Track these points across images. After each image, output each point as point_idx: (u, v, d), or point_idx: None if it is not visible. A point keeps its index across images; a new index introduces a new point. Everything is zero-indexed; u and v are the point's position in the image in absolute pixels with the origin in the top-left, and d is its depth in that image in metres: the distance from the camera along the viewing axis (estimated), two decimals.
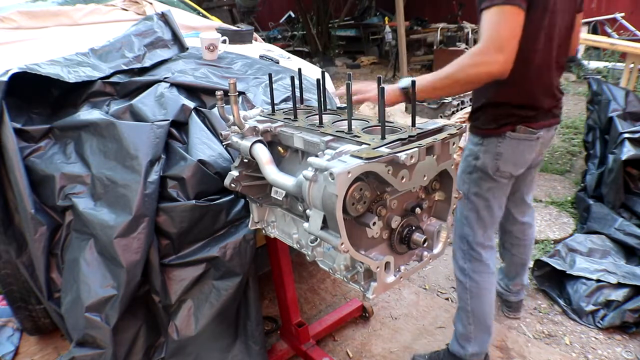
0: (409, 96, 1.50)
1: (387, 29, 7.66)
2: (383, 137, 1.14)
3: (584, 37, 5.08)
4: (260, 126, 1.36)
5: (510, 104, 1.59)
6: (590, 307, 2.20)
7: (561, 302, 2.31)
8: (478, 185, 1.71)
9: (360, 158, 1.00)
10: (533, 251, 2.56)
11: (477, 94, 1.67)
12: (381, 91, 1.13)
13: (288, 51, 2.93)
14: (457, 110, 2.99)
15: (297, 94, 1.50)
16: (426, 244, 1.19)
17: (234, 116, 1.34)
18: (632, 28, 7.39)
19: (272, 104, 1.49)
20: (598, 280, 2.25)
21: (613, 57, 6.82)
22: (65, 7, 2.60)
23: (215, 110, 1.76)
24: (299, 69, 1.52)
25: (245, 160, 1.43)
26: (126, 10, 2.74)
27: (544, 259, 2.43)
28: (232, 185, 1.42)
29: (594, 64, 6.95)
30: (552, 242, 2.80)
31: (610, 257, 2.44)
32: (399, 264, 1.21)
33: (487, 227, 1.77)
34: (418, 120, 1.23)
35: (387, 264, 1.13)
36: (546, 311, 2.30)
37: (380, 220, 1.12)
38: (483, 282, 1.79)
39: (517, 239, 2.09)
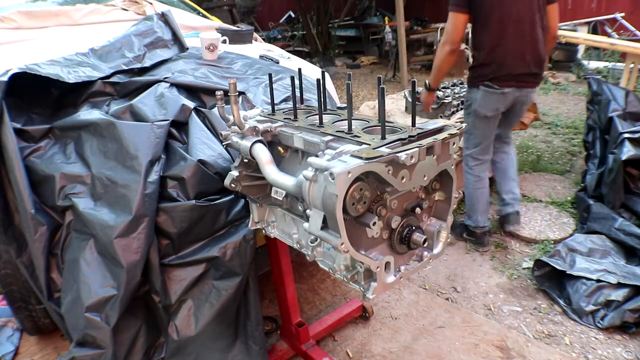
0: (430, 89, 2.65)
1: (387, 29, 7.66)
2: (383, 137, 1.14)
3: (584, 37, 5.09)
4: (260, 126, 1.36)
5: (482, 66, 2.41)
6: (590, 307, 2.20)
7: (561, 302, 2.31)
8: (470, 119, 2.56)
9: (361, 158, 1.00)
10: (534, 251, 2.77)
11: (475, 55, 2.45)
12: (381, 91, 1.13)
13: (288, 51, 2.93)
14: (457, 110, 2.99)
15: (297, 94, 1.50)
16: (426, 244, 1.19)
17: (234, 116, 1.34)
18: (632, 28, 7.39)
19: (272, 104, 1.49)
20: (598, 280, 2.25)
21: (613, 57, 6.82)
22: (65, 7, 2.60)
23: (215, 110, 1.76)
24: (299, 69, 1.52)
25: (245, 160, 1.42)
26: (126, 10, 2.74)
27: (544, 259, 2.43)
28: (232, 185, 1.42)
29: (594, 64, 6.95)
30: (552, 242, 2.80)
31: (610, 257, 2.43)
32: (399, 264, 1.21)
33: (475, 148, 2.62)
34: (418, 120, 1.24)
35: (387, 264, 1.14)
36: (546, 311, 2.30)
37: (380, 220, 1.12)
38: (470, 180, 2.68)
39: (500, 162, 2.86)
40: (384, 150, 1.06)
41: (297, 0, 9.08)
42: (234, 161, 1.52)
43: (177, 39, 2.17)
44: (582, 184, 3.24)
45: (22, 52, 2.11)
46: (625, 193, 2.76)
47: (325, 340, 2.15)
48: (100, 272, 1.48)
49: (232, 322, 1.67)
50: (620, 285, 2.20)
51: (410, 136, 1.14)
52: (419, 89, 3.03)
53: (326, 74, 1.45)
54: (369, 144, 1.11)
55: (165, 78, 1.84)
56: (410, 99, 2.97)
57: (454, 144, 1.18)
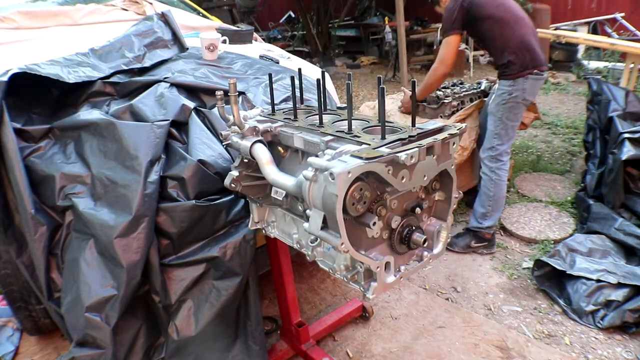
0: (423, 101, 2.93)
1: (387, 29, 7.65)
2: (383, 137, 1.14)
3: (584, 37, 5.08)
4: (260, 126, 1.36)
5: (517, 60, 2.53)
6: (590, 307, 2.20)
7: (561, 302, 2.31)
8: (510, 110, 2.58)
9: (361, 158, 1.00)
10: (534, 251, 2.79)
11: (498, 56, 2.59)
12: (381, 91, 1.13)
13: (288, 51, 2.93)
14: (457, 110, 2.99)
15: (297, 94, 1.50)
16: (426, 244, 1.19)
17: (234, 116, 1.34)
18: (632, 28, 7.39)
19: (272, 104, 1.49)
20: (598, 280, 2.25)
21: (613, 57, 6.82)
22: (65, 7, 2.60)
23: (215, 110, 1.76)
24: (299, 69, 1.52)
25: (245, 160, 1.42)
26: (126, 10, 2.74)
27: (544, 259, 2.43)
28: (232, 185, 1.42)
29: (594, 64, 6.95)
30: (552, 242, 2.80)
31: (610, 257, 2.44)
32: (399, 264, 1.21)
33: (510, 140, 2.68)
34: (418, 120, 1.24)
35: (387, 264, 1.13)
36: (546, 311, 2.30)
37: (380, 220, 1.12)
38: (503, 175, 2.68)
39: None
40: (384, 150, 1.06)
41: (297, 0, 9.07)
42: (234, 161, 1.52)
43: (177, 39, 2.17)
44: (582, 184, 3.24)
45: (22, 52, 2.11)
46: (625, 193, 2.76)
47: (325, 340, 2.15)
48: (100, 272, 1.48)
49: (232, 322, 1.67)
50: (620, 285, 2.20)
51: (410, 136, 1.13)
52: (404, 89, 3.26)
53: (326, 74, 1.45)
54: (369, 144, 1.11)
55: (165, 78, 1.84)
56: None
57: (454, 144, 1.18)
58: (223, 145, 1.56)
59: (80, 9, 2.57)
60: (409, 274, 1.22)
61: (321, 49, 9.21)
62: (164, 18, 2.20)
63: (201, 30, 2.68)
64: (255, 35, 2.94)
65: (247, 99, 1.88)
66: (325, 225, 1.06)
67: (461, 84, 3.35)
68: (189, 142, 1.63)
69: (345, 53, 10.26)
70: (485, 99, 3.03)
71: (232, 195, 1.59)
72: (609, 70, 6.45)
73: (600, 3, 8.00)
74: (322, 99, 1.35)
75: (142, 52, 2.03)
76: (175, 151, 1.59)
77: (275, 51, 2.72)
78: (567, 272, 2.33)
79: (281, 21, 11.21)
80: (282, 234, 1.47)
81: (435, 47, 7.97)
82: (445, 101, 2.96)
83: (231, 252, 1.57)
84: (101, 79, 1.84)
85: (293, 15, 11.03)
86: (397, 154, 1.03)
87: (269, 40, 9.60)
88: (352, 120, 1.23)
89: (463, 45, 7.32)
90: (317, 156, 1.10)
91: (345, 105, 1.30)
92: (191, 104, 1.73)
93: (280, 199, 1.36)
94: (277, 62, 2.43)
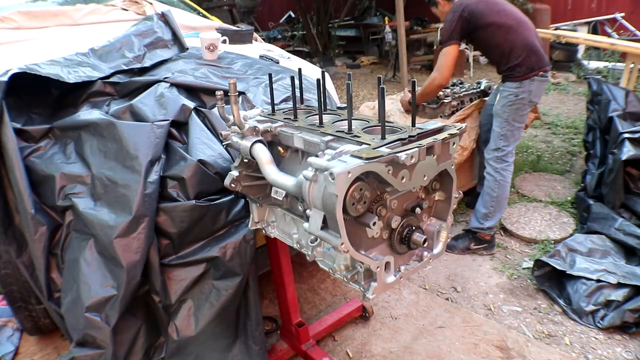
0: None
1: (387, 29, 7.65)
2: (383, 137, 1.14)
3: (584, 37, 5.08)
4: (260, 126, 1.36)
5: (523, 62, 2.55)
6: (590, 307, 2.20)
7: (561, 302, 2.31)
8: (516, 112, 2.60)
9: (361, 158, 1.00)
10: (534, 251, 2.79)
11: (504, 61, 2.60)
12: (381, 91, 1.13)
13: (288, 51, 2.93)
14: (457, 110, 3.00)
15: (297, 94, 1.50)
16: (426, 244, 1.19)
17: (234, 116, 1.34)
18: (632, 28, 7.39)
19: (272, 104, 1.49)
20: (598, 280, 2.25)
21: (613, 57, 6.82)
22: (65, 7, 2.60)
23: (215, 110, 1.76)
24: (299, 69, 1.52)
25: (245, 160, 1.42)
26: (126, 10, 2.74)
27: (544, 259, 2.43)
28: (232, 185, 1.42)
29: (594, 64, 6.95)
30: (552, 242, 2.80)
31: (610, 257, 2.44)
32: (399, 264, 1.21)
33: (516, 141, 2.69)
34: (418, 120, 1.24)
35: (387, 264, 1.13)
36: (546, 311, 2.30)
37: (380, 220, 1.12)
38: (507, 176, 2.70)
39: None
40: (384, 150, 1.06)
41: (297, 0, 9.07)
42: (234, 161, 1.52)
43: (177, 39, 2.17)
44: (582, 184, 3.24)
45: (22, 52, 2.11)
46: (625, 193, 2.76)
47: (325, 340, 2.15)
48: (100, 272, 1.48)
49: (232, 322, 1.67)
50: (620, 285, 2.20)
51: (410, 136, 1.13)
52: (406, 90, 3.24)
53: (326, 74, 1.45)
54: (369, 144, 1.11)
55: (165, 78, 1.84)
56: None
57: (454, 144, 1.18)
58: (223, 145, 1.56)
59: (80, 9, 2.57)
60: (409, 274, 1.22)
61: (321, 49, 9.21)
62: (164, 18, 2.20)
63: (201, 30, 2.68)
64: (255, 35, 2.94)
65: (247, 99, 1.88)
66: (325, 225, 1.06)
67: (461, 83, 3.35)
68: (189, 142, 1.63)
69: (345, 53, 10.26)
70: (486, 98, 3.03)
71: (232, 195, 1.59)
72: (609, 70, 6.45)
73: (600, 3, 8.00)
74: (322, 99, 1.35)
75: (142, 52, 2.03)
76: (175, 151, 1.59)
77: (275, 51, 2.72)
78: (567, 272, 2.33)
79: (281, 21, 11.21)
80: (282, 234, 1.47)
81: (435, 47, 7.97)
82: (445, 101, 2.97)
83: (231, 252, 1.57)
84: (101, 79, 1.84)
85: (293, 15, 11.03)
86: (397, 154, 1.03)
87: (269, 40, 9.60)
88: (352, 120, 1.23)
89: (463, 45, 7.32)
90: (317, 156, 1.10)
91: (345, 105, 1.30)
92: (191, 104, 1.73)
93: (280, 199, 1.36)
94: (277, 62, 2.43)
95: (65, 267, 1.57)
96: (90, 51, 1.98)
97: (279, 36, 10.69)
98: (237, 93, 1.36)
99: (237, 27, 3.27)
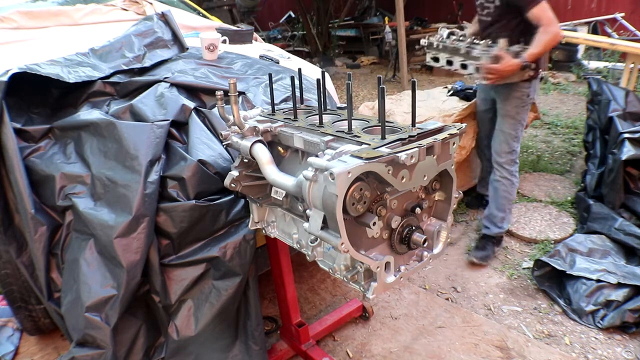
0: (525, 67, 2.35)
1: (387, 29, 7.65)
2: (383, 137, 1.14)
3: (584, 37, 5.08)
4: (260, 126, 1.36)
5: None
6: (590, 307, 2.20)
7: (561, 302, 2.31)
8: (525, 112, 2.60)
9: (361, 158, 1.00)
10: (534, 251, 2.79)
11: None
12: (381, 91, 1.13)
13: (288, 51, 2.93)
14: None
15: (297, 94, 1.50)
16: (426, 244, 1.19)
17: (234, 116, 1.34)
18: (632, 28, 7.39)
19: (272, 104, 1.49)
20: (598, 280, 2.25)
21: (613, 57, 6.82)
22: (65, 7, 2.60)
23: (215, 110, 1.76)
24: (299, 69, 1.52)
25: (245, 160, 1.42)
26: (126, 10, 2.74)
27: (544, 259, 2.43)
28: (232, 185, 1.42)
29: (594, 64, 6.95)
30: (552, 242, 2.80)
31: (610, 257, 2.44)
32: (399, 264, 1.21)
33: (520, 139, 2.67)
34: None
35: (387, 264, 1.13)
36: (546, 311, 2.30)
37: (380, 220, 1.12)
38: (517, 175, 2.71)
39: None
40: (384, 150, 1.06)
41: (297, 0, 9.07)
42: (234, 161, 1.52)
43: (177, 39, 2.17)
44: (582, 184, 3.24)
45: (22, 52, 2.11)
46: (625, 193, 2.76)
47: (325, 340, 2.15)
48: (100, 272, 1.48)
49: (232, 322, 1.67)
50: (620, 285, 2.20)
51: (410, 136, 1.13)
52: (496, 48, 2.42)
53: (326, 74, 1.45)
54: (369, 144, 1.11)
55: (165, 78, 1.84)
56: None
57: (454, 144, 1.18)
58: (223, 145, 1.56)
59: (80, 9, 2.57)
60: (409, 274, 1.22)
61: (321, 49, 9.21)
62: (164, 18, 2.20)
63: (201, 30, 2.68)
64: (255, 35, 2.94)
65: (247, 99, 1.88)
66: (325, 225, 1.06)
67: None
68: (189, 142, 1.63)
69: (345, 53, 10.26)
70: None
71: (232, 195, 1.59)
72: (609, 70, 6.45)
73: (600, 3, 8.00)
74: (322, 99, 1.35)
75: (142, 52, 2.03)
76: (175, 151, 1.59)
77: (275, 51, 2.72)
78: (567, 272, 2.33)
79: (281, 21, 11.21)
80: (282, 234, 1.47)
81: None
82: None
83: (231, 252, 1.57)
84: (101, 79, 1.84)
85: (293, 15, 11.03)
86: (397, 154, 1.03)
87: (269, 40, 9.60)
88: (352, 120, 1.23)
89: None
90: (317, 156, 1.10)
91: (345, 105, 1.30)
92: (191, 104, 1.73)
93: (280, 199, 1.36)
94: (277, 62, 2.43)
95: (65, 267, 1.57)
96: (90, 51, 1.98)
97: (279, 36, 10.70)
98: (237, 93, 1.36)
99: (237, 27, 3.27)
